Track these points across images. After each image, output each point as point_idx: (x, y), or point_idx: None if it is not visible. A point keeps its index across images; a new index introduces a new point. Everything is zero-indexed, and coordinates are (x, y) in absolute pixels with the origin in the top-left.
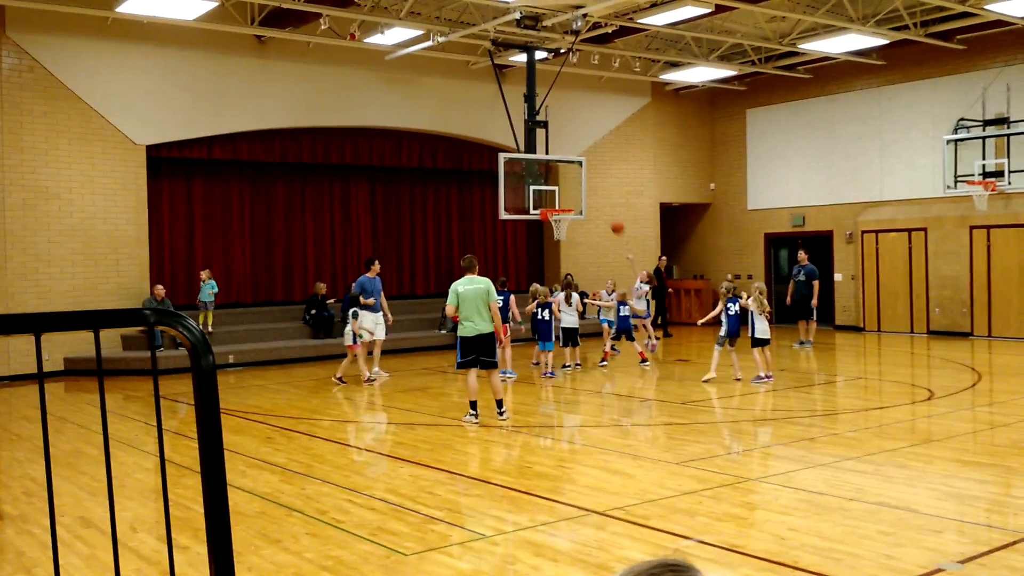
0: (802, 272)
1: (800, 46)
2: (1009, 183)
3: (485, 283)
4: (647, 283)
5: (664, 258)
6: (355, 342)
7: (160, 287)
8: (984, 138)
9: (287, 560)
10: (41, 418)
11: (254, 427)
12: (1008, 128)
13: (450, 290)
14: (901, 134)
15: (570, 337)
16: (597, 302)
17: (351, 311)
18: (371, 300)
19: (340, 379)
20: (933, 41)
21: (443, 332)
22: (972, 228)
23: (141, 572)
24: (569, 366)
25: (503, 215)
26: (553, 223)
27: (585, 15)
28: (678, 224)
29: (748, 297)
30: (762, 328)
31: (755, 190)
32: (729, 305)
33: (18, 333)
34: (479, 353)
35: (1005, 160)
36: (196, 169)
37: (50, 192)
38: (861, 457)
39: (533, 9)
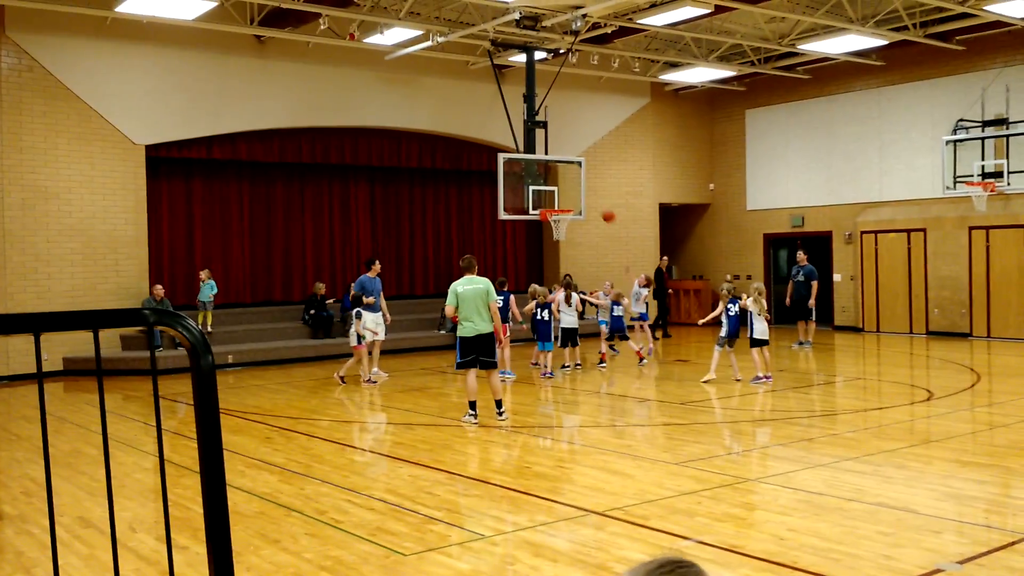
0: (801, 272)
1: (799, 47)
2: (1008, 184)
3: (484, 283)
4: (645, 287)
5: (665, 258)
6: (360, 343)
7: (159, 287)
8: (983, 139)
9: (286, 560)
10: (40, 418)
11: (253, 427)
12: (1007, 129)
13: (449, 290)
14: (900, 135)
15: (569, 337)
16: (593, 299)
17: (355, 311)
18: (371, 299)
19: (342, 378)
20: (932, 42)
21: (442, 332)
22: (971, 229)
23: (140, 572)
24: (568, 366)
25: (502, 215)
26: (552, 223)
27: (584, 15)
28: (677, 224)
29: (748, 298)
30: (761, 329)
31: (754, 191)
32: (729, 306)
33: (17, 333)
34: (479, 353)
35: (1004, 161)
36: (195, 169)
37: (49, 192)
38: (860, 458)
39: (532, 9)
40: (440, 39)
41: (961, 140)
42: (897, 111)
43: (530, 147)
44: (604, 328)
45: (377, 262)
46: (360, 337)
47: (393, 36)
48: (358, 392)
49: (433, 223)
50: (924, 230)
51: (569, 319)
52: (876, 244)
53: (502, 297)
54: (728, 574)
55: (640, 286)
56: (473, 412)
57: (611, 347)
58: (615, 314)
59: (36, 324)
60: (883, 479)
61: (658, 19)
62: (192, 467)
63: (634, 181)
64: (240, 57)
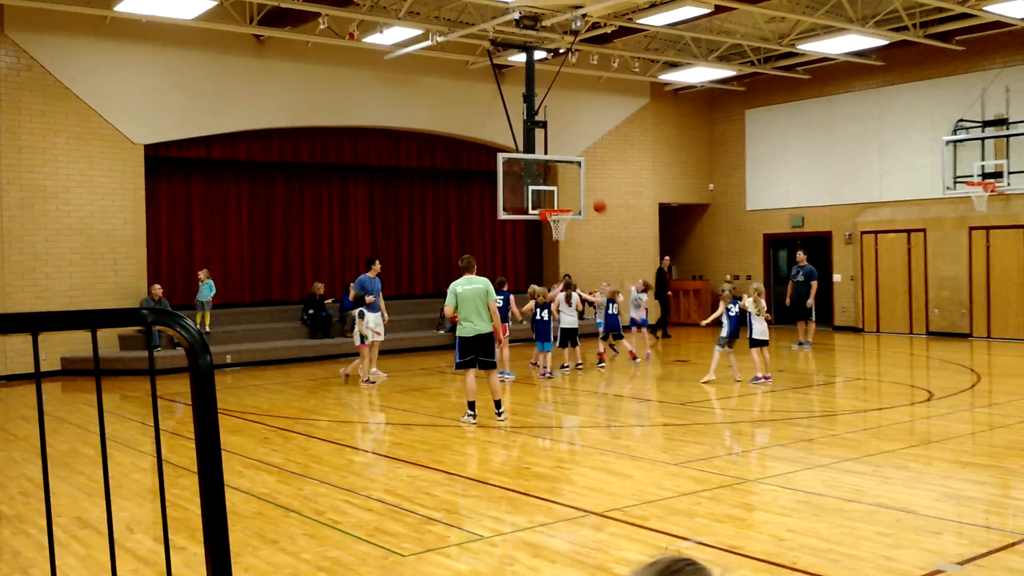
0: (801, 273)
1: (799, 47)
2: (1008, 184)
3: (484, 283)
4: (643, 292)
5: (667, 258)
6: (363, 342)
7: (157, 287)
8: (983, 139)
9: (284, 561)
10: (38, 418)
11: (251, 427)
12: (1007, 129)
13: (448, 290)
14: (900, 135)
15: (568, 337)
16: (591, 298)
17: (358, 311)
18: (371, 299)
19: (347, 375)
20: (932, 42)
21: (441, 332)
22: (971, 229)
23: (138, 572)
24: (567, 367)
25: (502, 215)
26: (552, 223)
27: (584, 15)
28: (677, 225)
29: (747, 299)
30: (760, 329)
31: (754, 191)
32: (730, 306)
33: (15, 332)
34: (478, 353)
35: (1004, 161)
36: (194, 169)
37: (48, 191)
38: (860, 458)
39: (532, 9)
40: (440, 39)
41: (961, 140)
42: (897, 111)
43: (529, 147)
44: (601, 328)
45: (377, 262)
46: (363, 336)
47: (392, 36)
48: (357, 392)
49: (432, 223)
50: (924, 230)
51: (569, 319)
52: (876, 244)
53: (502, 297)
54: (738, 571)
55: (638, 291)
56: (472, 412)
57: (611, 347)
58: (610, 312)
59: (34, 324)
60: (883, 480)
61: (658, 19)
62: (190, 467)
63: (634, 181)
64: (239, 57)
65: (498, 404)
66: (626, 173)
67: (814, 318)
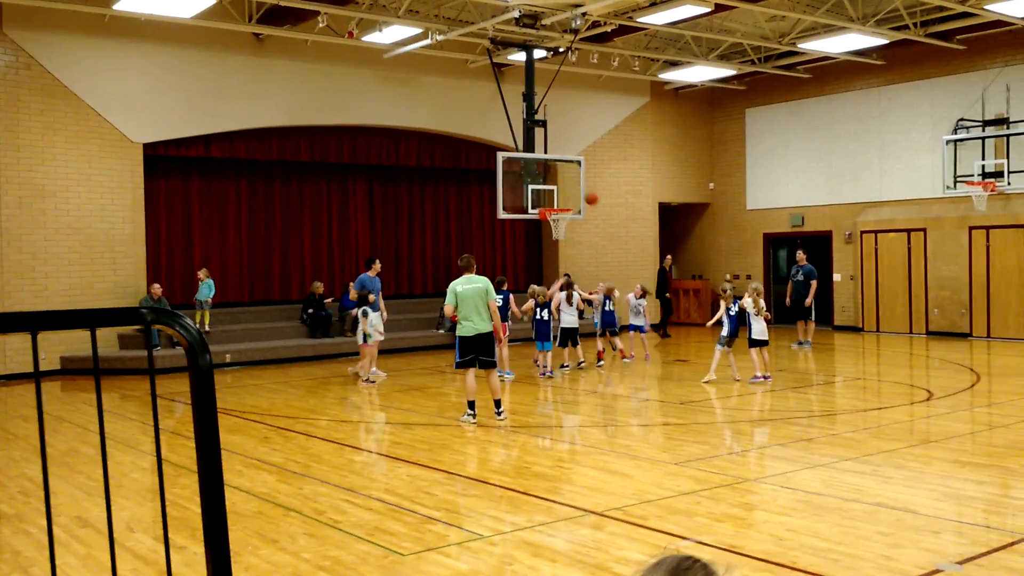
0: (800, 272)
1: (800, 46)
2: (1008, 184)
3: (484, 282)
4: (642, 297)
5: (669, 257)
6: (366, 341)
7: (157, 286)
8: (983, 138)
9: (284, 560)
10: (38, 417)
11: (251, 427)
12: (1007, 128)
13: (448, 290)
14: (900, 134)
15: (569, 337)
16: (590, 297)
17: (361, 310)
18: (373, 298)
19: (356, 374)
20: (933, 41)
21: (441, 332)
22: (971, 229)
23: (138, 572)
24: (567, 366)
25: (501, 214)
26: (552, 222)
27: (584, 14)
28: (677, 224)
29: (747, 298)
30: (759, 329)
31: (754, 190)
32: (731, 306)
33: (14, 332)
34: (478, 353)
35: (1004, 161)
36: (193, 167)
37: (47, 190)
38: (859, 458)
39: (532, 7)
40: (439, 37)
41: (961, 140)
42: (897, 110)
43: (529, 146)
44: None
45: (377, 261)
46: (366, 336)
47: (392, 34)
48: (356, 392)
49: (432, 222)
50: (924, 230)
51: (569, 319)
52: (876, 244)
53: (501, 296)
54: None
55: (636, 298)
56: (472, 412)
57: (610, 343)
58: (607, 309)
59: (33, 323)
60: (882, 479)
61: (658, 17)
62: (190, 466)
63: (634, 180)
64: (238, 55)
65: (498, 403)
66: (626, 172)
67: (813, 317)
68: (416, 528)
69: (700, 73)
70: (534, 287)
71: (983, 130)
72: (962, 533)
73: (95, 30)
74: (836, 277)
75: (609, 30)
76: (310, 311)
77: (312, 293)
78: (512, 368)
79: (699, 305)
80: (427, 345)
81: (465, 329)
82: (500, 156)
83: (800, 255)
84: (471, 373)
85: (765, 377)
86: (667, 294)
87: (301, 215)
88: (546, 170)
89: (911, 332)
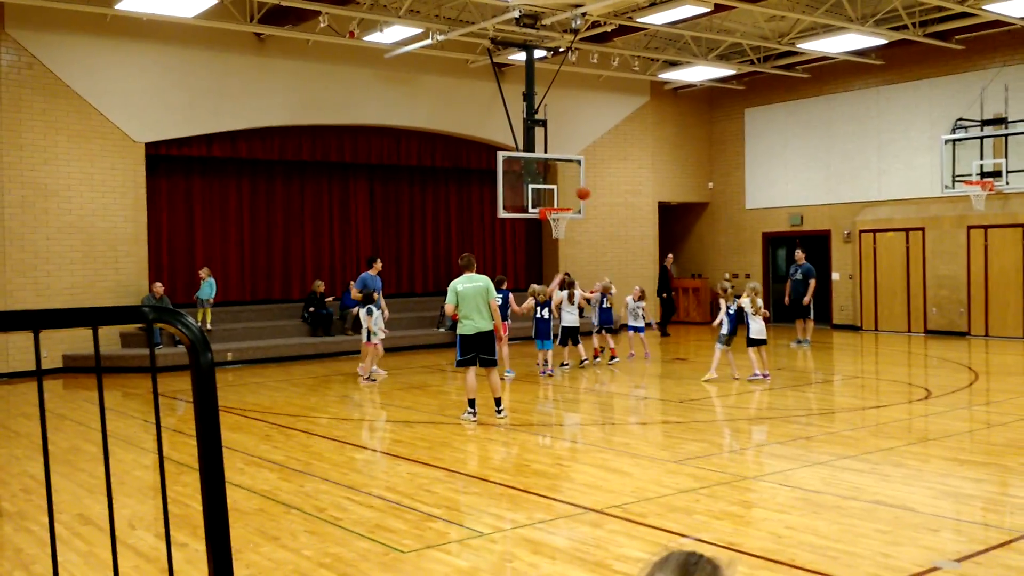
0: (799, 271)
1: (799, 46)
2: (1007, 183)
3: (484, 281)
4: (640, 300)
5: (671, 256)
6: (369, 339)
7: (159, 285)
8: (982, 138)
9: (285, 557)
10: (40, 415)
11: (253, 425)
12: (1006, 128)
13: (449, 288)
14: (899, 134)
15: (569, 335)
16: (590, 295)
17: (366, 308)
18: (376, 296)
19: (368, 376)
20: (931, 41)
21: (442, 330)
22: (970, 228)
23: (139, 569)
24: (568, 364)
25: (502, 214)
26: (552, 222)
27: (584, 14)
28: (676, 223)
29: (745, 298)
30: (757, 328)
31: (753, 189)
32: (730, 305)
33: (17, 330)
34: (479, 351)
35: (1003, 160)
36: (195, 167)
37: (49, 189)
38: (858, 456)
39: (532, 7)
40: (440, 37)
41: (960, 139)
42: (896, 110)
43: (529, 145)
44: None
45: (378, 260)
46: (371, 333)
47: (393, 34)
48: (357, 390)
49: (432, 221)
50: (923, 229)
51: (570, 317)
52: (875, 243)
53: (501, 296)
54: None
55: (635, 300)
56: (472, 410)
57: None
58: (604, 306)
59: (36, 321)
60: (881, 477)
61: (657, 18)
62: (191, 464)
63: (633, 180)
64: (240, 55)
65: (498, 402)
66: (626, 172)
67: (812, 316)
68: (417, 526)
69: (699, 73)
70: (534, 286)
71: (981, 130)
72: (960, 531)
73: (97, 30)
74: (835, 276)
75: (609, 30)
76: (311, 310)
77: (313, 292)
78: (512, 367)
79: (698, 304)
80: (428, 344)
81: (466, 328)
82: (500, 155)
83: (799, 254)
84: (472, 371)
85: (764, 375)
86: (665, 293)
87: (302, 214)
88: (546, 169)
89: (909, 331)
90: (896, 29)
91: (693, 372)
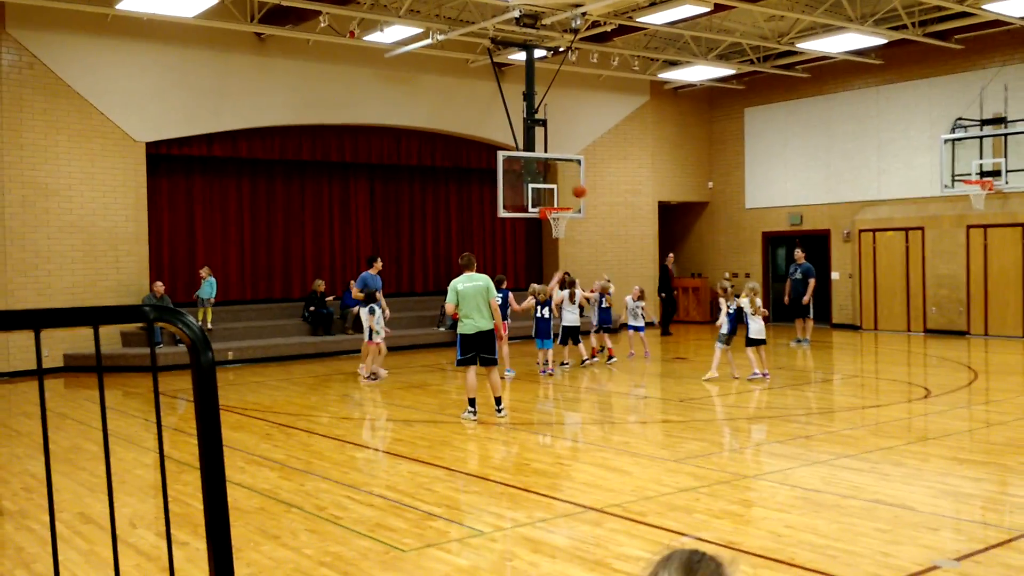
0: (799, 271)
1: (798, 45)
2: (1006, 182)
3: (484, 280)
4: (639, 299)
5: (672, 255)
6: (371, 338)
7: (159, 284)
8: (981, 137)
9: (286, 556)
10: (41, 414)
11: (253, 423)
12: (1005, 128)
13: (449, 288)
14: (899, 133)
15: (570, 335)
16: (588, 295)
17: (368, 308)
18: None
19: (375, 374)
20: (931, 41)
21: (442, 329)
22: (969, 227)
23: (140, 568)
24: (568, 363)
25: (502, 213)
26: (551, 221)
27: (584, 13)
28: (676, 222)
29: (743, 298)
30: (757, 328)
31: (753, 189)
32: (731, 303)
33: (18, 329)
34: (479, 350)
35: (1002, 159)
36: (196, 166)
37: (50, 189)
38: (858, 455)
39: (532, 7)
40: (440, 37)
41: (959, 139)
42: (895, 110)
43: (529, 145)
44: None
45: (379, 259)
46: (373, 332)
47: (393, 34)
48: (358, 389)
49: (433, 221)
50: (922, 228)
51: (571, 317)
52: (874, 242)
53: (500, 295)
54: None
55: (634, 300)
56: (472, 409)
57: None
58: (603, 306)
59: (37, 320)
60: (880, 476)
61: (657, 17)
62: (192, 463)
63: (633, 179)
64: (240, 55)
65: (498, 401)
66: (625, 171)
67: (812, 315)
68: (417, 524)
69: (699, 73)
70: (534, 286)
71: (981, 129)
72: (960, 530)
73: (98, 29)
74: (834, 275)
75: (609, 30)
76: (312, 309)
77: (314, 291)
78: (512, 366)
79: (698, 303)
80: (428, 343)
81: (466, 327)
82: (500, 155)
83: (798, 253)
84: (472, 371)
85: (764, 375)
86: (664, 293)
87: (303, 213)
88: (546, 169)
89: (909, 330)
90: (895, 29)
91: (693, 371)
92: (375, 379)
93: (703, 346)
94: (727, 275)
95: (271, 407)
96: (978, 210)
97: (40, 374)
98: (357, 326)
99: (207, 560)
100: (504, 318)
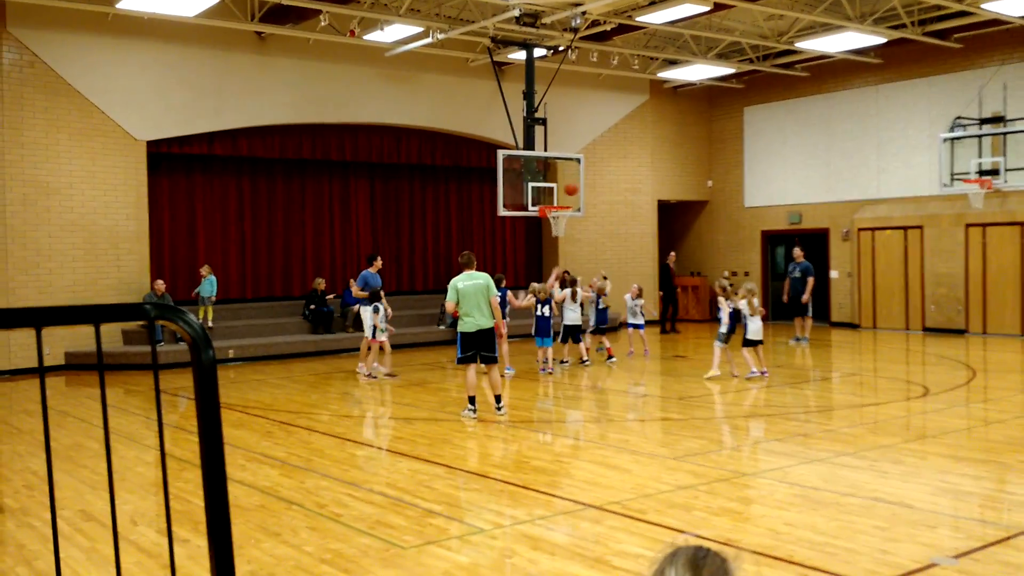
0: (798, 269)
1: (798, 44)
2: (1005, 181)
3: (484, 278)
4: (638, 298)
5: (673, 254)
6: (375, 336)
7: (160, 282)
8: (980, 136)
9: (286, 553)
10: (42, 412)
11: (254, 421)
12: (1004, 126)
13: (449, 286)
14: (898, 132)
15: (571, 333)
16: (587, 294)
17: (373, 306)
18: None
19: (388, 374)
20: (930, 40)
21: (442, 328)
22: (968, 226)
23: (141, 565)
24: (567, 362)
25: (502, 212)
26: (551, 220)
27: (584, 13)
28: (676, 221)
29: (742, 300)
30: (754, 328)
31: (752, 188)
32: (731, 301)
33: (19, 327)
34: (479, 348)
35: (1001, 158)
36: (196, 165)
37: (51, 187)
38: (856, 453)
39: (532, 6)
40: (440, 36)
41: (958, 137)
42: (895, 109)
43: (529, 144)
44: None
45: (379, 258)
46: (377, 331)
47: (393, 33)
48: (358, 387)
49: (433, 219)
50: (921, 227)
51: (573, 315)
52: (873, 241)
53: (499, 294)
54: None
55: (633, 298)
56: (472, 407)
57: (601, 342)
58: (600, 307)
59: (38, 318)
60: (879, 474)
61: (657, 16)
62: (193, 461)
63: (633, 178)
64: (241, 53)
65: (498, 399)
66: (625, 170)
67: (811, 314)
68: (417, 521)
69: (699, 72)
70: (534, 285)
71: (980, 128)
72: (958, 528)
73: (98, 28)
74: (833, 274)
75: (608, 29)
76: (312, 307)
77: (314, 289)
78: (512, 364)
79: (697, 302)
80: (428, 341)
81: (467, 325)
82: (500, 154)
83: (797, 252)
84: (472, 369)
85: (763, 373)
86: (662, 291)
87: (303, 212)
88: (546, 168)
89: (907, 329)
90: (895, 28)
91: (692, 369)
92: (374, 377)
93: (702, 344)
94: (726, 274)
95: (272, 405)
96: (977, 209)
97: (41, 372)
98: (357, 324)
99: (208, 557)
100: (504, 316)
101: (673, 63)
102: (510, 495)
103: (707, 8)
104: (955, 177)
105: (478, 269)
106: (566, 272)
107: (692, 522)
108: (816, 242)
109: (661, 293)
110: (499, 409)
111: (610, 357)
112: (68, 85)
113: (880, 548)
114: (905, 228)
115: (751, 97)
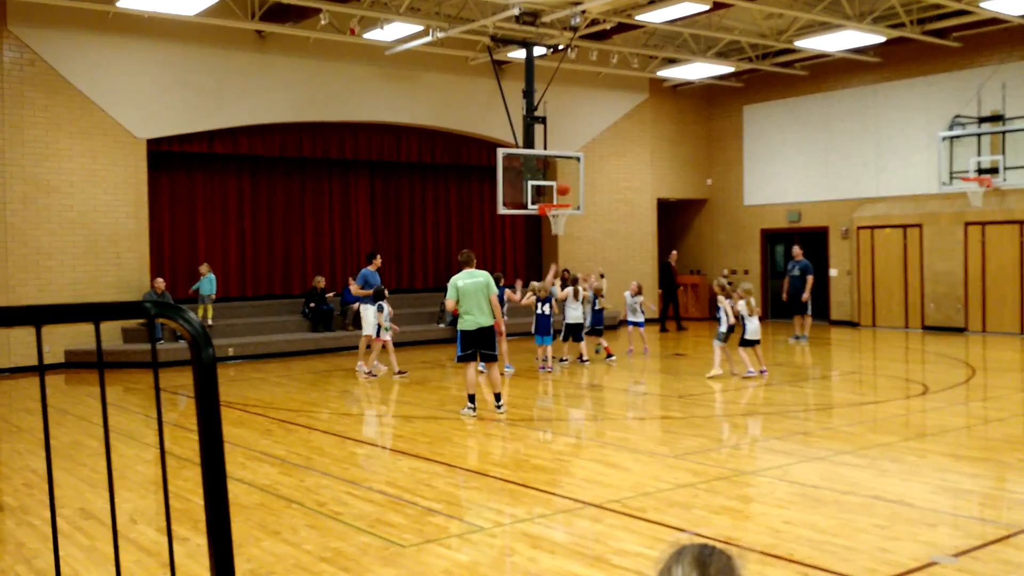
0: (797, 268)
1: (797, 43)
2: (1004, 180)
3: (484, 276)
4: (637, 295)
5: (675, 253)
6: (379, 334)
7: (160, 280)
8: (979, 135)
9: (286, 551)
10: (42, 410)
11: (254, 419)
12: (1003, 125)
13: (449, 284)
14: (897, 131)
15: (572, 332)
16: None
17: (377, 304)
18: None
19: (399, 372)
20: (929, 38)
21: (442, 326)
22: (967, 224)
23: (141, 563)
24: (567, 360)
25: (501, 210)
26: (551, 218)
27: (583, 11)
28: (675, 219)
29: (740, 301)
30: (753, 328)
31: (752, 186)
32: (730, 302)
33: (19, 325)
34: (480, 346)
35: (1000, 157)
36: (196, 163)
37: (51, 185)
38: (856, 451)
39: (532, 5)
40: (440, 34)
41: (957, 136)
42: (894, 107)
43: (529, 142)
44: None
45: (378, 256)
46: (381, 329)
47: (393, 31)
48: (358, 385)
49: (433, 218)
50: (920, 226)
51: (574, 314)
52: (872, 240)
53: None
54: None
55: (632, 295)
56: (472, 405)
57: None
58: (596, 308)
59: (38, 316)
60: (879, 472)
61: (656, 15)
62: (193, 459)
63: (632, 176)
64: (241, 52)
65: (498, 397)
66: (625, 168)
67: (810, 312)
68: (417, 520)
69: (698, 70)
70: (534, 284)
71: (979, 126)
72: (957, 526)
73: (99, 27)
74: (832, 272)
75: (608, 28)
76: (312, 305)
77: (314, 287)
78: (512, 363)
79: (697, 300)
80: (428, 339)
81: (467, 323)
82: (500, 152)
83: (797, 250)
84: (472, 367)
85: (762, 372)
86: (662, 289)
87: (303, 210)
88: (546, 166)
89: (907, 327)
90: (894, 27)
91: (692, 368)
92: (374, 376)
93: (702, 342)
94: (725, 272)
95: (271, 403)
96: (976, 207)
97: (41, 370)
98: (357, 322)
99: (208, 556)
100: (503, 315)
101: (672, 62)
102: (510, 493)
103: (706, 7)
104: (954, 175)
105: (478, 267)
106: (566, 271)
107: (692, 520)
108: (815, 240)
109: (661, 291)
110: (499, 407)
111: (609, 355)
112: (68, 83)
113: (880, 546)
114: (904, 226)
115: (750, 96)
